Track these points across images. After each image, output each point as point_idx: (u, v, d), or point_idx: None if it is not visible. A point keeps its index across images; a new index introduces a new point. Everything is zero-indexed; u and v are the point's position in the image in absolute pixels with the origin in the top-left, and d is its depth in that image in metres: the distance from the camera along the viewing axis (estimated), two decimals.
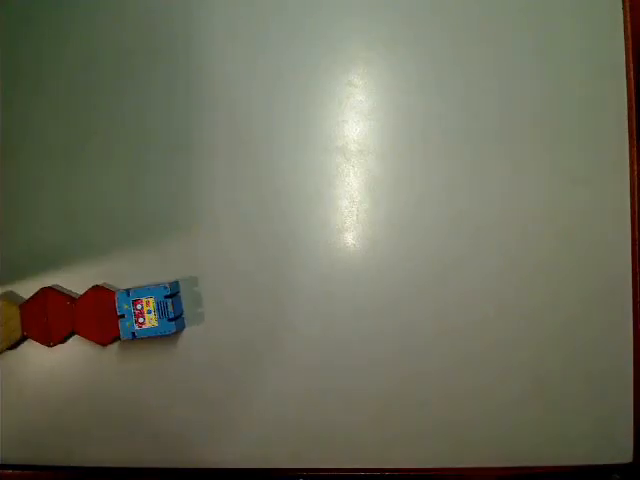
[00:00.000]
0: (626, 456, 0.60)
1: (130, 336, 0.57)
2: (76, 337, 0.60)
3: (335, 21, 0.62)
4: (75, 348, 0.60)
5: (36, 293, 0.59)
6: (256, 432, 0.60)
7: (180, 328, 0.59)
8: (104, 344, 0.59)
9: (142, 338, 0.57)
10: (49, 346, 0.59)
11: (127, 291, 0.57)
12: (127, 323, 0.57)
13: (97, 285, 0.59)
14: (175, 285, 0.59)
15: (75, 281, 0.60)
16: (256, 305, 0.60)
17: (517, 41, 0.62)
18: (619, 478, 0.60)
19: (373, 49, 0.62)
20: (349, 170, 0.61)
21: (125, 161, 0.61)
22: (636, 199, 0.61)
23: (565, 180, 0.61)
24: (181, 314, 0.59)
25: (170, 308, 0.57)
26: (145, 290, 0.57)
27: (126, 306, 0.57)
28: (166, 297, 0.57)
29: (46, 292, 0.59)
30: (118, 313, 0.57)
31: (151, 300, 0.57)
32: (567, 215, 0.61)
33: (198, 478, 0.60)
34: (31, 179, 0.61)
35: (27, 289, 0.60)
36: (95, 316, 0.58)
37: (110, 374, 0.60)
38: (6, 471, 0.60)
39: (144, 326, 0.57)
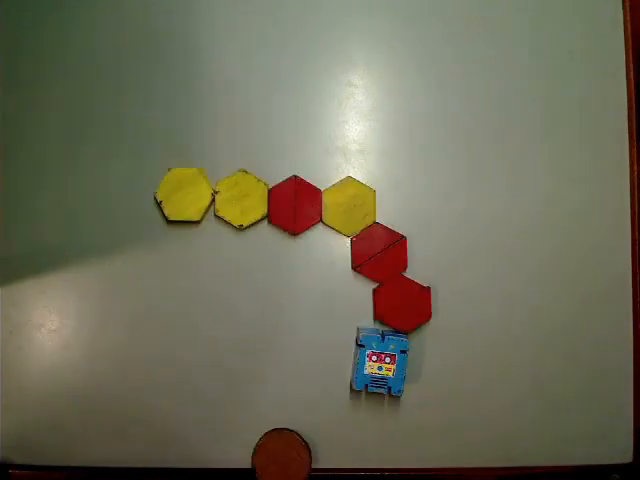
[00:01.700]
0: (626, 456, 0.60)
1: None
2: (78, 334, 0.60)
3: (335, 21, 0.62)
4: (75, 348, 0.60)
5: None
6: (256, 432, 0.60)
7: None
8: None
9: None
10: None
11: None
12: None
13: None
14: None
15: (75, 281, 0.60)
16: (256, 305, 0.60)
17: (517, 41, 0.62)
18: (619, 478, 0.60)
19: (373, 49, 0.62)
20: (349, 170, 0.61)
21: (125, 161, 0.61)
22: (636, 199, 0.61)
23: (565, 180, 0.61)
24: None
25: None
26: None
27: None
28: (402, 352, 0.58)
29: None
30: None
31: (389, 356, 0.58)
32: (567, 215, 0.61)
33: (198, 478, 0.60)
34: (31, 179, 0.61)
35: (27, 289, 0.61)
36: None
37: (110, 374, 0.60)
38: (6, 471, 0.60)
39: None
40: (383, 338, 0.57)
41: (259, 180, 0.60)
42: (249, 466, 0.59)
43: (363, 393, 0.60)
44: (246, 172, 0.60)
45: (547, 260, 0.61)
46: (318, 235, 0.61)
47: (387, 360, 0.57)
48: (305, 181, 0.60)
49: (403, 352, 0.57)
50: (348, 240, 0.60)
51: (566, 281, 0.61)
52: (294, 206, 0.60)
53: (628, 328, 0.60)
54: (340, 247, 0.60)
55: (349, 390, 0.60)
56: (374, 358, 0.57)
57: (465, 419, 0.60)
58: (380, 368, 0.57)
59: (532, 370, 0.60)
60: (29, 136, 0.61)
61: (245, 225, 0.59)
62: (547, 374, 0.60)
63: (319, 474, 0.60)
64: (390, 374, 0.57)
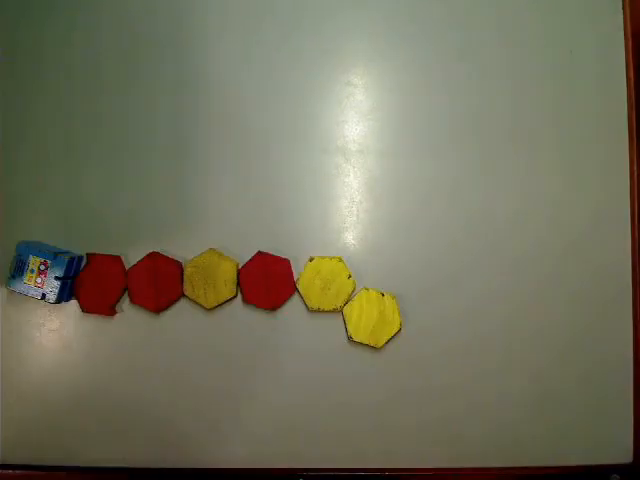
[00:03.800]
0: (626, 456, 0.60)
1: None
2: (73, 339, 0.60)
3: (335, 20, 0.62)
4: (75, 348, 0.60)
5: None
6: (256, 432, 0.60)
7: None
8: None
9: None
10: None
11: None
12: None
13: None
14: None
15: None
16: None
17: (517, 41, 0.62)
18: (619, 478, 0.60)
19: (373, 48, 0.62)
20: (349, 170, 0.61)
21: (125, 161, 0.61)
22: (636, 199, 0.61)
23: (565, 180, 0.61)
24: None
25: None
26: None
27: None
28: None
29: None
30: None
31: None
32: (567, 215, 0.61)
33: (198, 478, 0.60)
34: (31, 179, 0.61)
35: None
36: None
37: (110, 374, 0.60)
38: (6, 471, 0.60)
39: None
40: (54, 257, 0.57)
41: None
42: (249, 466, 0.59)
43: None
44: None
45: (547, 259, 0.61)
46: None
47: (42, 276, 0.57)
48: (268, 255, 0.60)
49: (57, 278, 0.57)
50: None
51: (566, 281, 0.61)
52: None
53: (628, 328, 0.60)
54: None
55: (348, 389, 0.60)
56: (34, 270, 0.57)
57: (464, 419, 0.60)
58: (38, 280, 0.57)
59: (532, 370, 0.60)
60: (29, 136, 0.61)
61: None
62: (547, 374, 0.60)
63: (319, 474, 0.60)
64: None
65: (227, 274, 0.59)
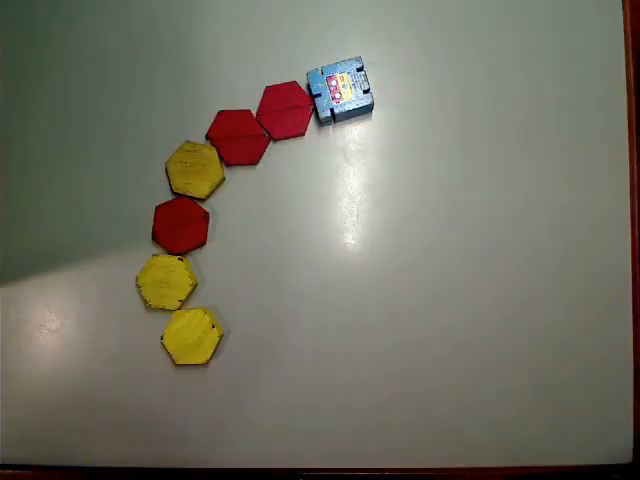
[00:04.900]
0: (626, 456, 0.60)
1: (329, 113, 0.58)
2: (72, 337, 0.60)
3: (336, 21, 0.62)
4: (75, 348, 0.60)
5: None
6: (256, 432, 0.60)
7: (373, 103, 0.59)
8: None
9: (340, 113, 0.58)
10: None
11: (319, 69, 0.57)
12: (324, 101, 0.57)
13: None
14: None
15: (75, 281, 0.61)
16: (256, 305, 0.60)
17: (516, 41, 0.62)
18: (619, 478, 0.60)
19: (373, 48, 0.62)
20: (349, 170, 0.61)
21: (126, 161, 0.61)
22: (636, 199, 0.61)
23: (564, 180, 0.61)
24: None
25: (364, 79, 0.57)
26: (337, 66, 0.58)
27: (321, 84, 0.57)
28: (359, 70, 0.57)
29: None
30: (313, 93, 0.57)
31: (345, 75, 0.57)
32: (566, 215, 0.61)
33: (198, 478, 0.60)
34: (31, 179, 0.61)
35: (27, 289, 0.61)
36: None
37: (110, 374, 0.60)
38: (6, 471, 0.60)
39: (341, 101, 0.57)
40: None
41: None
42: (248, 466, 0.59)
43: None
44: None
45: (547, 258, 0.61)
46: None
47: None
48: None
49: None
50: None
51: (565, 280, 0.61)
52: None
53: (628, 328, 0.60)
54: None
55: (348, 389, 0.60)
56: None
57: (464, 419, 0.60)
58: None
59: (532, 370, 0.60)
60: (30, 136, 0.62)
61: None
62: (547, 373, 0.60)
63: (319, 474, 0.60)
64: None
65: (211, 177, 0.59)
